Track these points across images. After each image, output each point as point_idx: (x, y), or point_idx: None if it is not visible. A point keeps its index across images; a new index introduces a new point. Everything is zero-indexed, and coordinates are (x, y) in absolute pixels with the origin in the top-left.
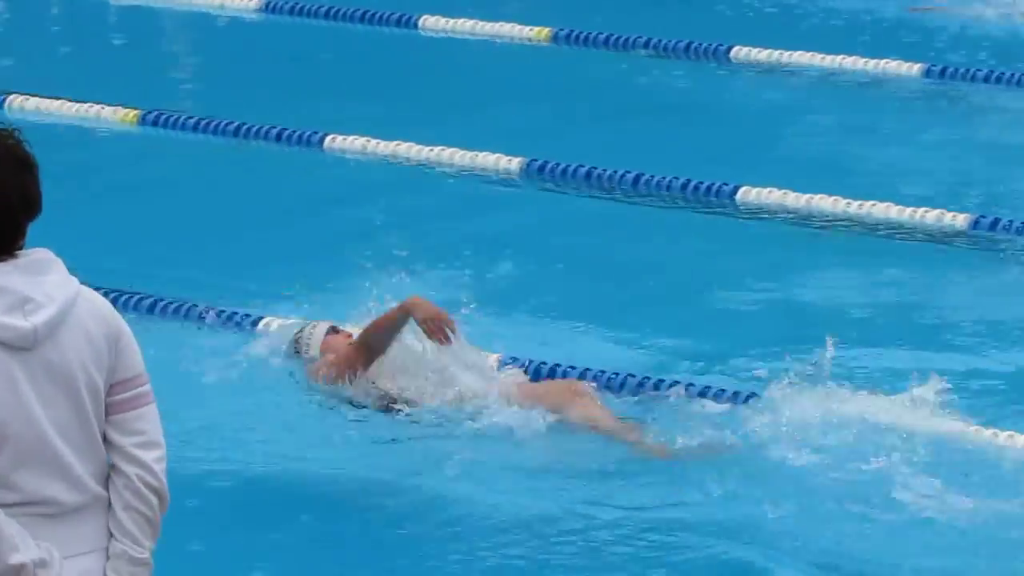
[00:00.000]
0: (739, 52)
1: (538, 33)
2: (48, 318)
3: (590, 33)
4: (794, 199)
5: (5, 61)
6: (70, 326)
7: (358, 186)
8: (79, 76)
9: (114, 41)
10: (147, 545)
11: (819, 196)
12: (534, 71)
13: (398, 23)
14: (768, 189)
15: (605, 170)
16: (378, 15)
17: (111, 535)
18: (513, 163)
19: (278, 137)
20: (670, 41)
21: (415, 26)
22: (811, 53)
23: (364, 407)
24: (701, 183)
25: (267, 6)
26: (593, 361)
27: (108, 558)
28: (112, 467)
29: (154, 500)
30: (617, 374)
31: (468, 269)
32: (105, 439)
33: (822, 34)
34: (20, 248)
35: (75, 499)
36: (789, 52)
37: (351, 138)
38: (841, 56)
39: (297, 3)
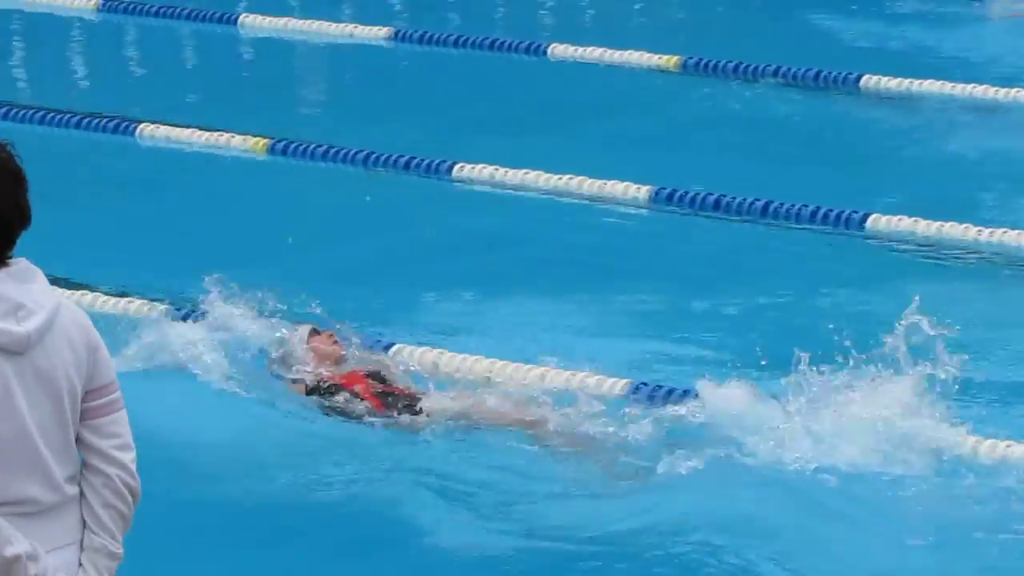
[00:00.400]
0: (868, 81)
1: (667, 61)
2: (39, 324)
3: (719, 61)
4: (924, 227)
5: (137, 90)
6: (55, 333)
7: (486, 215)
8: (209, 105)
9: (243, 70)
10: (120, 540)
11: (949, 224)
12: (663, 99)
13: (527, 51)
14: (898, 217)
15: (734, 198)
16: (507, 43)
17: (89, 530)
18: (641, 191)
19: (407, 166)
20: (799, 69)
21: (544, 54)
22: (941, 82)
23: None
24: (831, 211)
25: (396, 35)
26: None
27: (83, 550)
28: (89, 467)
29: (130, 498)
30: None
31: (598, 297)
32: (80, 442)
33: (952, 63)
34: (10, 257)
35: (51, 499)
36: (919, 81)
37: (479, 166)
38: (972, 85)
39: (426, 32)
